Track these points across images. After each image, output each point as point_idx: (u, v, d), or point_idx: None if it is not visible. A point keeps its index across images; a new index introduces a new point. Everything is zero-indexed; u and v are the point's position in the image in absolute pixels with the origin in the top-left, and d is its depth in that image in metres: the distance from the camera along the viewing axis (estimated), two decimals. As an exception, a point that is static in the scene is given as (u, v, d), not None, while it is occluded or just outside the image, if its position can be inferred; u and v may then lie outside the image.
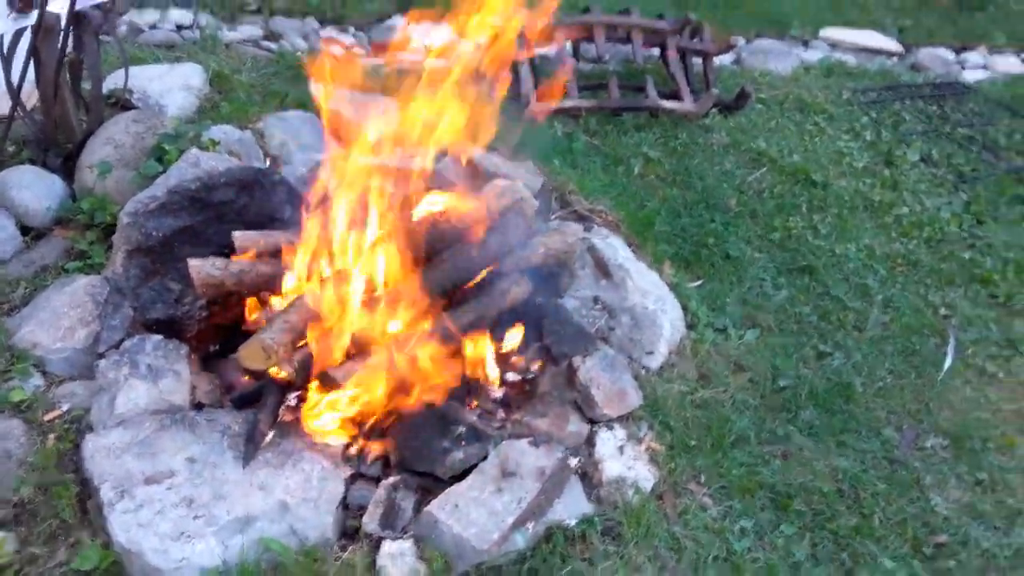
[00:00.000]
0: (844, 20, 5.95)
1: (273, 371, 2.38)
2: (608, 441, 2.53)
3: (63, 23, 2.95)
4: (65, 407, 2.38)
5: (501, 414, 2.66)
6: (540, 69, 4.54)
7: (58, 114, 3.18)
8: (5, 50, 3.01)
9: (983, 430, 2.87)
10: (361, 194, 2.68)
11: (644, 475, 2.45)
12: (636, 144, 4.21)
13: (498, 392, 2.71)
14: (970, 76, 5.57)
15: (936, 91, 5.10)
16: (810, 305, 3.37)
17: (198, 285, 2.54)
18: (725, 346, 3.06)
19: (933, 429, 2.87)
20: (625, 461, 2.47)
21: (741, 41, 5.57)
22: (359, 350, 2.49)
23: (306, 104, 3.82)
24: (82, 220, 3.02)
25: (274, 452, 2.30)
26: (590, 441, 2.53)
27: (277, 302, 2.61)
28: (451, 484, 2.30)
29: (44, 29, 2.93)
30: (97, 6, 3.08)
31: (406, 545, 2.13)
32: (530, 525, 2.20)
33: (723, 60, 5.21)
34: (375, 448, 2.41)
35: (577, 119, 4.32)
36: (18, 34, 3.02)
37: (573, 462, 2.43)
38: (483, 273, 2.66)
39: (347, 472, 2.32)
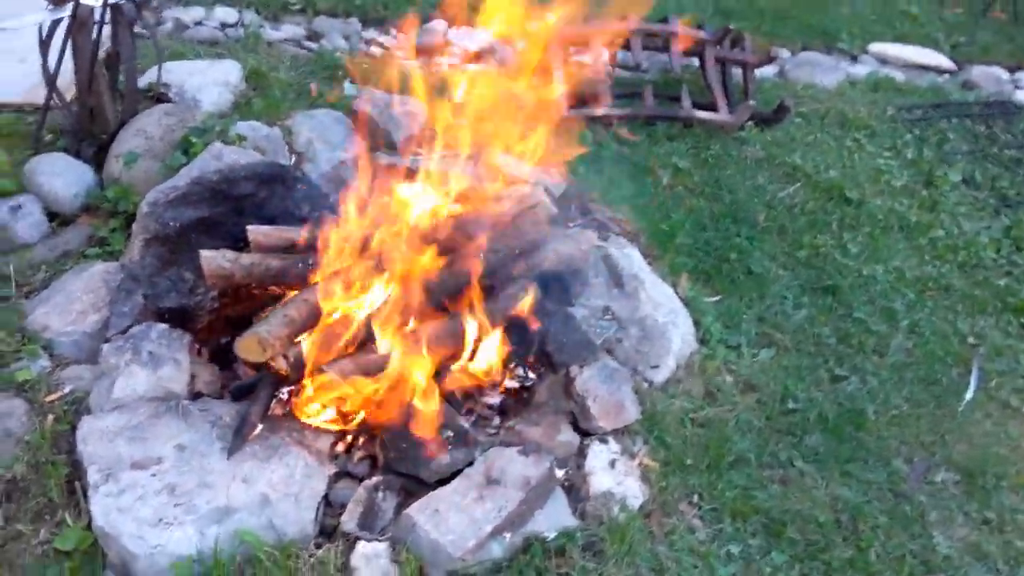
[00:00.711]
0: (896, 34, 5.73)
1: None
2: (600, 454, 2.49)
3: (96, 16, 3.05)
4: (67, 389, 2.43)
5: (496, 420, 2.64)
6: (575, 76, 4.50)
7: (94, 105, 3.29)
8: (42, 41, 3.12)
9: (998, 466, 2.74)
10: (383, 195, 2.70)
11: (634, 491, 2.40)
12: (667, 154, 4.14)
13: (495, 398, 2.70)
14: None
15: (985, 110, 4.89)
16: (830, 326, 3.26)
17: (208, 276, 2.57)
18: (736, 364, 2.99)
19: (946, 463, 2.75)
20: (616, 476, 2.43)
21: (786, 53, 5.43)
22: (357, 347, 2.50)
23: (336, 103, 3.86)
24: (107, 208, 3.11)
25: (262, 445, 2.31)
26: (581, 453, 2.50)
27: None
28: (435, 488, 2.28)
29: (78, 21, 3.03)
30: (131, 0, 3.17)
31: (381, 547, 2.12)
32: (507, 535, 2.17)
33: (766, 72, 5.09)
34: (362, 447, 2.41)
35: (609, 127, 4.28)
36: (55, 25, 3.12)
37: (560, 473, 2.40)
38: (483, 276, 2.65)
39: (331, 469, 2.33)
